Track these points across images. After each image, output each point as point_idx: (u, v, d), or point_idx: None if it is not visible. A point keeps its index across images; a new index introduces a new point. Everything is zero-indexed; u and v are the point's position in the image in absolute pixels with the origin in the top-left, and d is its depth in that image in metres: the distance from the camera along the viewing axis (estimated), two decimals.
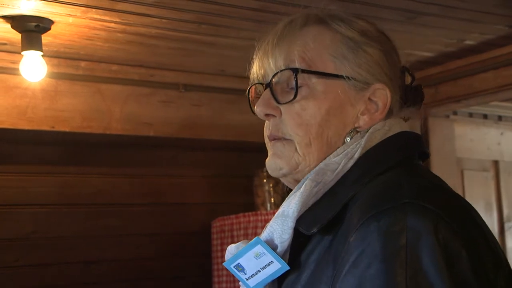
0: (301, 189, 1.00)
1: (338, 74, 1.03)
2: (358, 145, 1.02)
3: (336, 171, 1.00)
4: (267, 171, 1.12)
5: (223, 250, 3.19)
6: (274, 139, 1.07)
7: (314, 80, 1.03)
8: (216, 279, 3.29)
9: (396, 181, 0.95)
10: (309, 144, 1.03)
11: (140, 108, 3.38)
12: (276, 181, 3.23)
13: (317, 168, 1.02)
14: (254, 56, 1.10)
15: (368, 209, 0.91)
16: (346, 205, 0.96)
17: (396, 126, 1.05)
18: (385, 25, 1.05)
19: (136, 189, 3.58)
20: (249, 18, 2.51)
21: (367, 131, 1.04)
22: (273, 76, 1.05)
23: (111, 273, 3.45)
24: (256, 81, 1.10)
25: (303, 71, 1.03)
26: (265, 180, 3.36)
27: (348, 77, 1.03)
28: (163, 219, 3.64)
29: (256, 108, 1.07)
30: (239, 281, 1.05)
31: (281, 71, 1.04)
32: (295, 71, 1.02)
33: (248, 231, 3.13)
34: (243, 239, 1.04)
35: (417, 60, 3.22)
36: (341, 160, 1.01)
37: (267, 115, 1.07)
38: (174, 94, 3.51)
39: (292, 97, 1.03)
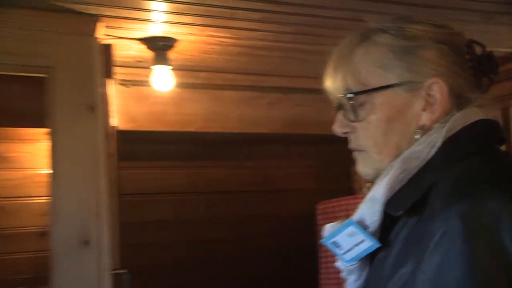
0: (388, 175, 1.02)
1: (389, 84, 1.06)
2: (439, 135, 1.02)
3: (420, 159, 1.02)
4: None
5: None
6: (355, 150, 1.13)
7: (371, 95, 1.07)
8: (322, 254, 3.39)
9: (476, 167, 0.96)
10: (380, 152, 1.08)
11: (251, 110, 3.61)
12: None
13: (402, 157, 1.04)
14: (324, 76, 1.15)
15: (449, 194, 0.92)
16: (429, 190, 0.97)
17: (473, 115, 1.05)
18: (462, 26, 1.09)
19: (250, 178, 3.84)
20: (342, 28, 2.60)
21: (448, 120, 1.04)
22: (339, 100, 1.12)
23: (232, 251, 3.73)
24: (333, 102, 1.17)
25: (357, 93, 1.08)
26: None
27: (398, 84, 1.05)
28: (275, 204, 3.88)
29: (334, 129, 1.13)
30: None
31: (343, 96, 1.10)
32: (351, 95, 1.08)
33: (349, 213, 3.18)
34: (344, 220, 1.08)
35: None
36: (424, 148, 1.02)
37: (344, 133, 1.12)
38: (279, 96, 3.73)
39: (358, 116, 1.09)
